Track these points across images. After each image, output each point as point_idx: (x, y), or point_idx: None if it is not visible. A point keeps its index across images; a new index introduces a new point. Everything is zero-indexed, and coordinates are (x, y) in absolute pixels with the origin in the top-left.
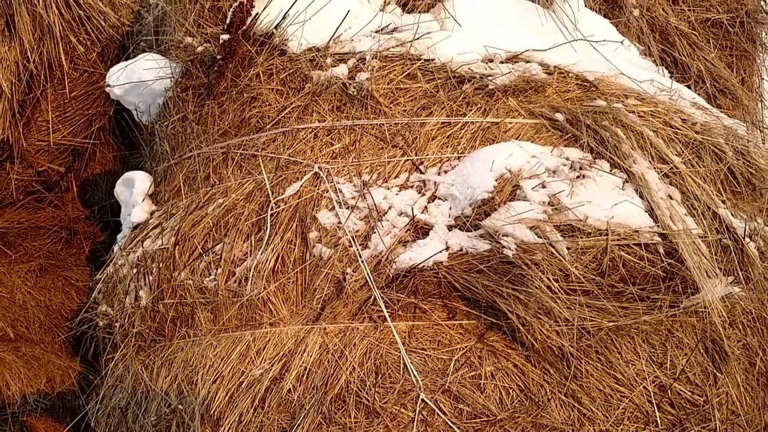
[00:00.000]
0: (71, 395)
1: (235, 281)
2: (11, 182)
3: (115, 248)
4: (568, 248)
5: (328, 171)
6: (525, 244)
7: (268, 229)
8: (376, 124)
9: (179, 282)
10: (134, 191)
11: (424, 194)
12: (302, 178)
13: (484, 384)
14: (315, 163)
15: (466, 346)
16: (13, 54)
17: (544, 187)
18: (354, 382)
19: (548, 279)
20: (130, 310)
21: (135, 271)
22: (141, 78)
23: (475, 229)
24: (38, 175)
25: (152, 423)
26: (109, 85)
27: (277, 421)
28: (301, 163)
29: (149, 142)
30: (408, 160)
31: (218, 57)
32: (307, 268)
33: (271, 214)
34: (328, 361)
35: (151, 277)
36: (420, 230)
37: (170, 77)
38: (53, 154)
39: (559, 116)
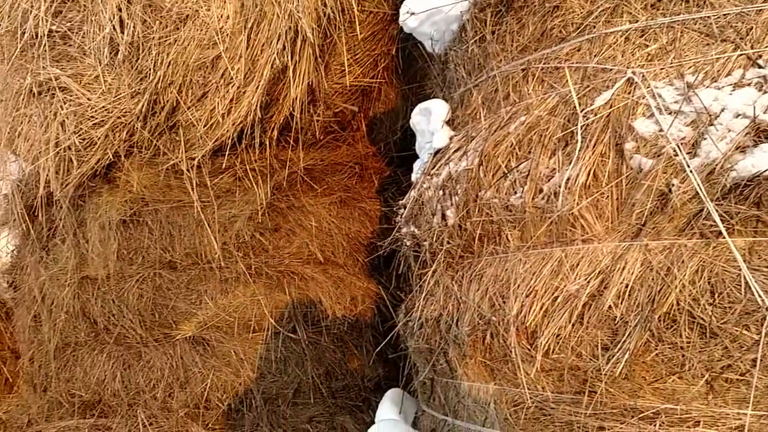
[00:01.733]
0: (370, 313)
1: (542, 198)
2: (315, 124)
3: (414, 176)
4: None
5: (643, 75)
6: None
7: (579, 143)
8: (700, 17)
9: (485, 201)
10: (432, 119)
11: (766, 92)
12: (613, 85)
13: None
14: (627, 68)
15: None
16: (312, 1)
17: None
18: (685, 301)
19: None
20: (437, 229)
21: (441, 192)
22: (437, 5)
23: None
24: (335, 115)
25: (466, 332)
26: (410, 13)
27: (599, 336)
28: (611, 69)
29: (441, 71)
30: (742, 54)
31: None
32: (623, 182)
33: (581, 127)
34: (653, 279)
35: (457, 198)
36: (763, 133)
37: None
38: (347, 95)
39: None
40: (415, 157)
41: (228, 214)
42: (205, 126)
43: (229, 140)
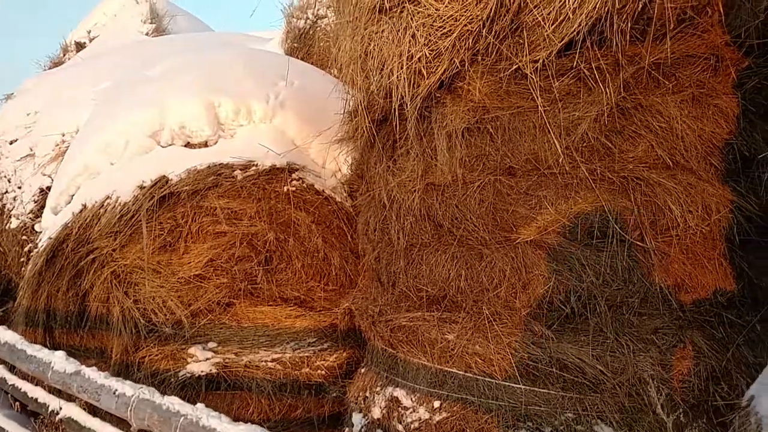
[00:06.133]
0: (725, 223)
1: None
2: (667, 11)
3: None
4: None
5: None
6: None
7: None
8: None
9: None
10: None
11: None
12: None
13: None
14: None
15: None
16: None
17: None
18: None
19: None
20: None
21: None
22: None
23: None
24: None
25: None
26: None
27: None
28: None
29: None
30: None
31: None
32: None
33: None
34: None
35: None
36: None
37: None
38: None
39: None
40: None
41: (571, 117)
42: (552, 24)
43: (579, 37)
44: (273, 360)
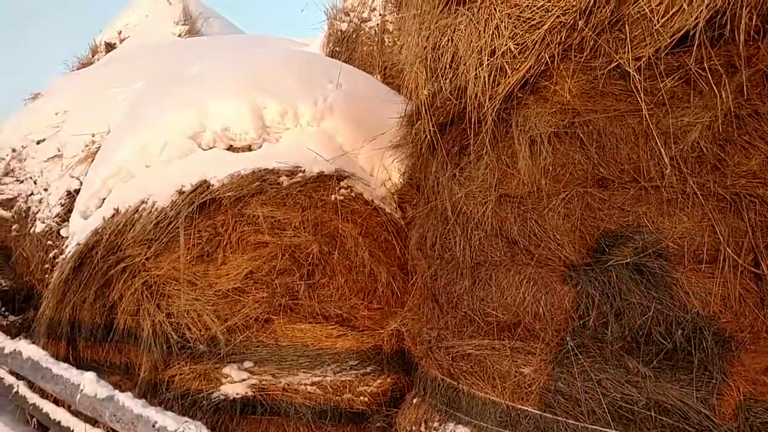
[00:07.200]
0: None
1: None
2: None
3: None
4: None
5: None
6: None
7: None
8: None
9: None
10: None
11: None
12: None
13: None
14: None
15: None
16: None
17: None
18: None
19: None
20: None
21: None
22: None
23: None
24: None
25: None
26: None
27: None
28: None
29: None
30: None
31: None
32: None
33: None
34: None
35: None
36: None
37: None
38: None
39: None
40: None
41: (679, 123)
42: (663, 17)
43: (695, 31)
44: (313, 383)
